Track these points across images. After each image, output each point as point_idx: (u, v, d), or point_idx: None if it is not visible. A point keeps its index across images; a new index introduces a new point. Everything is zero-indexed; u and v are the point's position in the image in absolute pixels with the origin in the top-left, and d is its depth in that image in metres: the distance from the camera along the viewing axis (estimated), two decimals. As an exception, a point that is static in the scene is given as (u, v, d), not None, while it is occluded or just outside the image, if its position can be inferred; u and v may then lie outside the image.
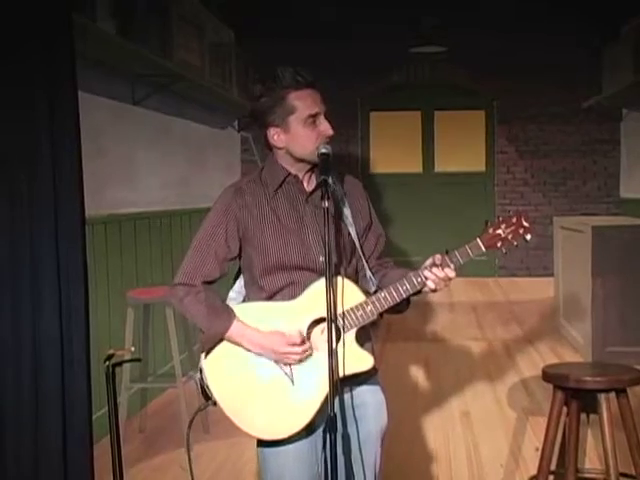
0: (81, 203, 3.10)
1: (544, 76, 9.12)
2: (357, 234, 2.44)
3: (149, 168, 5.96)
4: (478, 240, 2.36)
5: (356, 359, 2.34)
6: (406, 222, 9.82)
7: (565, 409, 3.42)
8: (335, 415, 2.20)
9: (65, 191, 3.03)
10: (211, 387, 2.38)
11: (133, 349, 3.79)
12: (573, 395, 3.40)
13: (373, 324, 2.42)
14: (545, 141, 9.72)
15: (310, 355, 2.34)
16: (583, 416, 3.47)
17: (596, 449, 3.88)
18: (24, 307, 2.99)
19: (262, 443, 2.42)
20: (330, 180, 2.28)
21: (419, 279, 2.34)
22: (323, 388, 2.28)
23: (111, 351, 3.08)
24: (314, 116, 2.37)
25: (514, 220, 2.38)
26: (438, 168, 10.16)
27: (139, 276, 5.39)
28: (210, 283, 2.44)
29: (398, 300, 2.35)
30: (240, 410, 2.36)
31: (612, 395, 3.30)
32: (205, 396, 2.41)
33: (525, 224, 2.38)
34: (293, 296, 2.37)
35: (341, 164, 9.38)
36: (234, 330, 2.35)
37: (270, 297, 2.41)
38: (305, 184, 2.45)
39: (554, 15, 8.05)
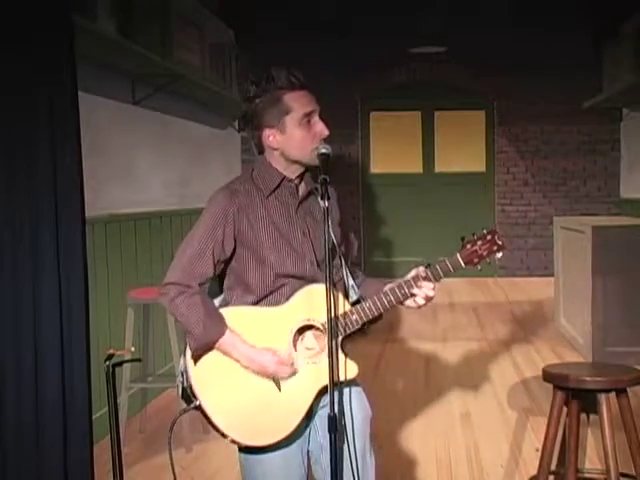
0: (81, 203, 3.10)
1: (544, 76, 9.12)
2: (337, 242, 2.43)
3: (149, 168, 5.96)
4: (458, 256, 2.41)
5: (342, 367, 2.32)
6: (406, 222, 9.84)
7: (565, 409, 3.42)
8: (335, 416, 2.20)
9: (65, 191, 3.03)
10: (196, 391, 2.35)
11: (133, 349, 3.79)
12: (573, 395, 3.40)
13: (359, 331, 2.42)
14: (545, 141, 9.72)
15: (296, 373, 2.33)
16: (583, 416, 3.47)
17: (596, 449, 3.88)
18: (24, 307, 2.99)
19: (245, 449, 2.40)
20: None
21: (403, 291, 2.37)
22: (308, 395, 2.30)
23: (111, 351, 3.08)
24: (309, 115, 2.36)
25: (489, 237, 2.43)
26: (438, 168, 10.16)
27: (139, 276, 5.39)
28: (201, 285, 2.39)
29: (382, 310, 2.37)
30: (225, 415, 2.35)
31: (612, 395, 3.30)
32: (186, 400, 2.38)
33: (499, 242, 2.43)
34: (278, 302, 2.36)
35: (341, 164, 9.38)
36: (226, 339, 2.32)
37: (256, 302, 2.38)
38: (297, 189, 2.44)
39: (554, 15, 8.05)
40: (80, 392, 3.09)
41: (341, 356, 2.32)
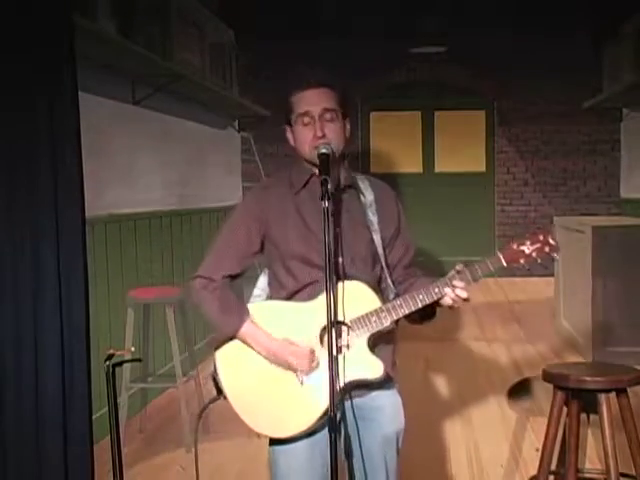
0: (81, 203, 3.10)
1: (544, 76, 9.12)
2: (382, 241, 2.45)
3: (149, 168, 5.96)
4: (499, 254, 2.35)
5: (365, 365, 2.34)
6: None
7: (565, 409, 3.42)
8: (335, 416, 2.21)
9: (65, 191, 3.03)
10: (222, 382, 2.41)
11: (133, 349, 3.78)
12: (573, 395, 3.39)
13: (390, 331, 2.42)
14: (545, 141, 9.72)
15: (317, 366, 2.35)
16: (583, 416, 3.46)
17: (596, 449, 3.88)
18: (25, 307, 2.99)
19: (273, 442, 2.44)
20: (337, 180, 2.32)
21: (436, 290, 2.34)
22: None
23: (111, 351, 3.08)
24: (303, 115, 2.39)
25: (540, 237, 2.37)
26: (438, 168, 10.16)
27: (139, 276, 5.39)
28: (233, 278, 2.46)
29: (413, 309, 2.35)
30: (248, 406, 2.39)
31: (612, 395, 3.30)
32: (218, 390, 2.45)
33: (552, 242, 2.36)
34: (312, 297, 2.37)
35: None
36: (246, 331, 2.38)
37: (290, 296, 2.42)
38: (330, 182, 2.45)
39: (554, 15, 8.05)
40: (80, 392, 3.09)
41: (367, 354, 2.34)
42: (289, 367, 2.35)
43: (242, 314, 2.39)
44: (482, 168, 10.08)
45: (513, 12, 7.97)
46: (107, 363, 3.02)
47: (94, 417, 3.24)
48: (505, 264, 2.35)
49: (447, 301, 2.35)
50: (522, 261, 2.35)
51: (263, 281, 2.55)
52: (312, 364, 2.34)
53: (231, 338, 2.41)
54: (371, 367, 2.35)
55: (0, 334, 2.98)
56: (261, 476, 3.95)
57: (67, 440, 3.07)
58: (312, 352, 2.34)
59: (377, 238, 2.43)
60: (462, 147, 10.02)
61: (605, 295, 5.93)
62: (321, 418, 2.35)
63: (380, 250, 2.44)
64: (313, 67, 2.45)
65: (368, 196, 2.47)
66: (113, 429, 3.04)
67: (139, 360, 4.12)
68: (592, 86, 8.74)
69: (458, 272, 2.33)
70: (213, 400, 2.48)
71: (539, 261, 2.36)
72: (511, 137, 9.81)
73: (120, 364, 3.13)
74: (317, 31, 8.28)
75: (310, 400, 2.35)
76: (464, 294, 2.33)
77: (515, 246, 2.36)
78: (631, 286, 5.91)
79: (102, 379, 3.06)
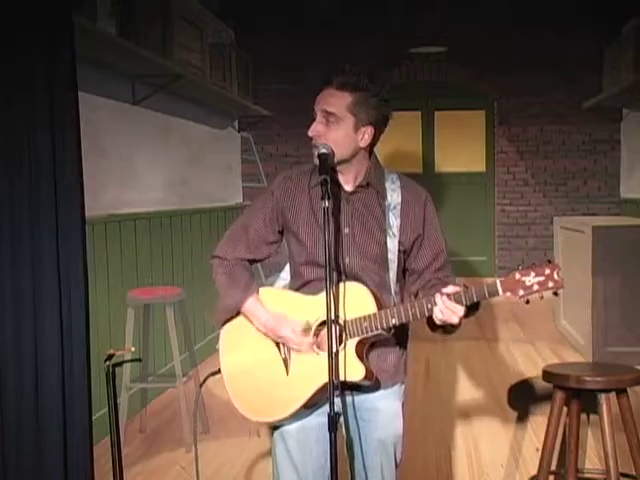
0: (81, 203, 3.10)
1: (545, 76, 9.12)
2: (399, 246, 2.42)
3: (149, 168, 5.96)
4: (497, 282, 2.26)
5: (347, 367, 2.34)
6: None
7: (565, 409, 3.42)
8: (335, 415, 2.21)
9: (65, 191, 3.03)
10: (220, 360, 2.48)
11: (133, 349, 3.79)
12: (573, 395, 3.40)
13: (393, 338, 2.42)
14: (545, 141, 9.70)
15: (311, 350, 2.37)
16: (583, 416, 3.47)
17: (596, 449, 3.88)
18: (25, 307, 2.99)
19: (274, 427, 2.48)
20: (330, 179, 2.29)
21: (429, 306, 2.29)
22: (311, 385, 2.34)
23: (111, 351, 3.08)
24: (313, 111, 2.43)
25: (547, 271, 2.26)
26: (438, 168, 10.15)
27: (139, 276, 5.39)
28: (252, 262, 2.52)
29: (404, 321, 2.32)
30: (235, 385, 2.45)
31: (612, 395, 3.30)
32: None
33: (557, 278, 2.25)
34: (318, 291, 2.37)
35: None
36: (248, 306, 2.42)
37: (300, 286, 2.46)
38: (347, 182, 2.46)
39: (555, 15, 8.05)
40: (80, 392, 3.09)
41: (351, 356, 2.33)
42: (280, 341, 2.40)
43: (248, 290, 2.44)
44: (482, 168, 10.06)
45: (514, 12, 7.96)
46: (107, 363, 3.02)
47: (94, 417, 3.24)
48: (501, 293, 2.26)
49: (437, 314, 2.27)
50: (521, 292, 2.25)
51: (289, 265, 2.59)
52: (303, 344, 2.36)
53: (237, 314, 2.46)
54: (351, 370, 2.33)
55: (0, 335, 2.97)
56: (261, 476, 3.95)
57: (67, 440, 3.07)
58: (307, 331, 2.37)
59: (392, 242, 2.41)
60: (462, 147, 10.01)
61: (605, 295, 5.93)
62: (303, 408, 2.37)
63: (392, 255, 2.41)
64: (351, 67, 2.48)
65: (394, 198, 2.45)
66: (113, 429, 3.04)
67: (139, 360, 4.13)
68: (592, 86, 8.73)
69: (454, 298, 2.25)
70: (213, 373, 2.54)
71: (540, 296, 2.27)
72: (511, 137, 9.79)
73: (120, 364, 3.14)
74: (317, 31, 8.28)
75: (291, 391, 2.38)
76: (447, 315, 2.24)
77: (518, 275, 2.26)
78: (631, 286, 5.91)
79: (102, 379, 3.06)
